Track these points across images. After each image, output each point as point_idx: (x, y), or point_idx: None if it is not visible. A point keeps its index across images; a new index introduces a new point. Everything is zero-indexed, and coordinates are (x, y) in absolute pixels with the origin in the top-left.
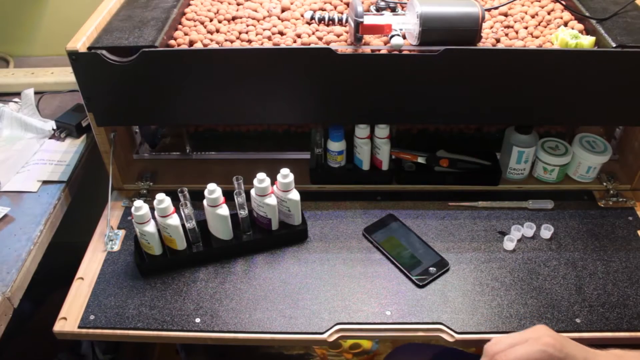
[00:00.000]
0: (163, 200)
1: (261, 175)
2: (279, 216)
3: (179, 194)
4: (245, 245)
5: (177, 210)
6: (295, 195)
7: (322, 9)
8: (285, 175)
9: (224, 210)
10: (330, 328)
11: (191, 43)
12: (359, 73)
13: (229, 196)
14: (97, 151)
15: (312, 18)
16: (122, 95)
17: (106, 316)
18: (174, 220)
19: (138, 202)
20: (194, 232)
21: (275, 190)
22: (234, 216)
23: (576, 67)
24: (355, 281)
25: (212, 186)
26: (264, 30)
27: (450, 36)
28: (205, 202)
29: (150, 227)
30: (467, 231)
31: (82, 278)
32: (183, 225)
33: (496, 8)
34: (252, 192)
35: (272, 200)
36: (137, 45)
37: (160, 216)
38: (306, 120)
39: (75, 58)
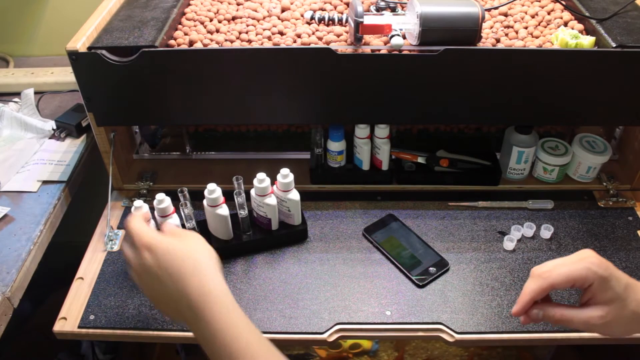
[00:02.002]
0: (163, 200)
1: (261, 175)
2: (278, 216)
3: (179, 194)
4: (245, 245)
5: (177, 210)
6: (295, 195)
7: (322, 9)
8: (285, 175)
9: (224, 210)
10: (330, 328)
11: (191, 43)
12: (359, 73)
13: (228, 196)
14: (97, 151)
15: (312, 18)
16: (122, 95)
17: (106, 316)
18: (174, 220)
19: (138, 202)
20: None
21: (275, 190)
22: (233, 216)
23: (576, 67)
24: (355, 281)
25: (212, 186)
26: (264, 30)
27: (450, 36)
28: (205, 202)
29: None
30: (467, 231)
31: (82, 278)
32: (183, 226)
33: (496, 8)
34: (252, 192)
35: (272, 200)
36: (137, 45)
37: (160, 216)
38: (306, 120)
39: (75, 58)
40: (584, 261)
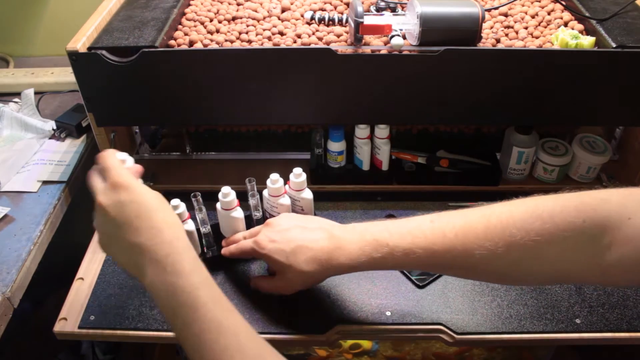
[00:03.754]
0: (178, 206)
1: (274, 176)
2: None
3: (192, 199)
4: None
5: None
6: (308, 194)
7: (322, 9)
8: (298, 174)
9: (239, 213)
10: (330, 328)
11: (191, 43)
12: (359, 73)
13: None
14: (97, 151)
15: (312, 18)
16: (122, 95)
17: (106, 316)
18: (190, 225)
19: (122, 155)
20: (208, 237)
21: (288, 190)
22: (246, 218)
23: (576, 67)
24: (355, 281)
25: (226, 189)
26: (264, 30)
27: (450, 36)
28: (218, 205)
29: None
30: None
31: (82, 278)
32: (198, 230)
33: (496, 8)
34: (265, 192)
35: (285, 200)
36: (137, 45)
37: None
38: (306, 121)
39: (75, 58)
40: (254, 239)
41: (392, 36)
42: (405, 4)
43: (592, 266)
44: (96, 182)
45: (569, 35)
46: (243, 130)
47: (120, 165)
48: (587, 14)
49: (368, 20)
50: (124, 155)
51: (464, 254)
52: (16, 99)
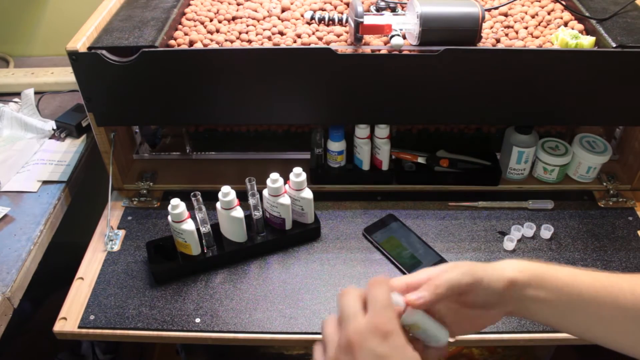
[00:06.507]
0: (178, 205)
1: (274, 176)
2: (291, 215)
3: (192, 198)
4: (259, 247)
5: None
6: (308, 193)
7: (322, 9)
8: (298, 174)
9: (239, 212)
10: None
11: (191, 43)
12: (359, 73)
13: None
14: (97, 151)
15: (312, 18)
16: (122, 95)
17: (106, 316)
18: (190, 225)
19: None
20: (208, 237)
21: (288, 190)
22: (245, 217)
23: (576, 67)
24: (355, 281)
25: (226, 189)
26: (264, 30)
27: (450, 36)
28: (218, 204)
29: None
30: (467, 231)
31: (82, 278)
32: (198, 230)
33: (496, 8)
34: (265, 192)
35: (285, 199)
36: (137, 45)
37: (174, 221)
38: (306, 121)
39: (75, 58)
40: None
41: (392, 36)
42: (405, 4)
43: None
44: (350, 307)
45: (569, 35)
46: (243, 130)
47: (390, 305)
48: (587, 14)
49: (368, 20)
50: (398, 298)
51: None
52: (16, 99)
